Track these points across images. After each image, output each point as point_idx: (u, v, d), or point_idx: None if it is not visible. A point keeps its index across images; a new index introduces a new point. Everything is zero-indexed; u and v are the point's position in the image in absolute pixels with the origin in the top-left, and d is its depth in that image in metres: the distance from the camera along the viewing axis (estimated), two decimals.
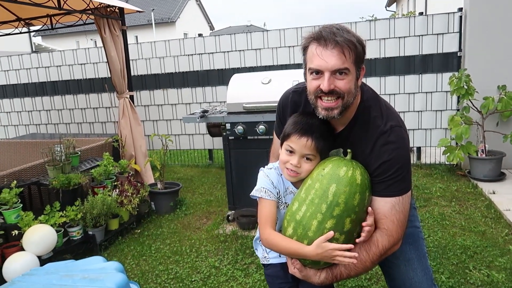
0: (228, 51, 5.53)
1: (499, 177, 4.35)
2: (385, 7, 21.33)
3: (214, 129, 3.93)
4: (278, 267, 1.63)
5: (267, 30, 5.46)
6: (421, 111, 5.07)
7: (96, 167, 3.73)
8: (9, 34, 5.43)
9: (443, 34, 4.81)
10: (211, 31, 34.06)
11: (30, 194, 3.42)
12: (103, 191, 3.48)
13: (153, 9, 26.92)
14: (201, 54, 5.63)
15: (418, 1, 15.75)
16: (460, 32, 4.75)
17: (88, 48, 6.11)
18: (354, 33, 1.36)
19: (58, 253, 3.03)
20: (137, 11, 4.80)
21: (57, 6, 3.77)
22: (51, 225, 2.96)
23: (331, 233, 1.33)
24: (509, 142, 4.31)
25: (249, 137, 3.44)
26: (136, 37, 24.30)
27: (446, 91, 4.88)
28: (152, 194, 4.09)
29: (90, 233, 3.27)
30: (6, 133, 6.93)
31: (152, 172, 4.73)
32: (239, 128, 3.36)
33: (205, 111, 3.58)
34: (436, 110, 5.02)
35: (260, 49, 5.41)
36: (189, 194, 4.68)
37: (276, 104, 1.72)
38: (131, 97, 4.59)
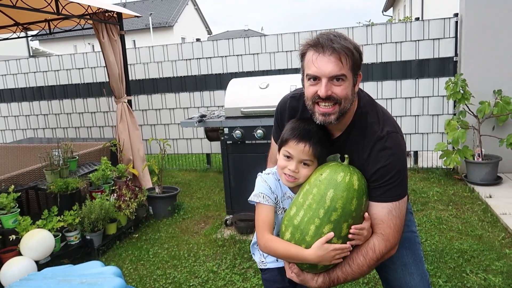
0: (226, 56, 5.56)
1: (496, 181, 4.38)
2: (382, 12, 21.45)
3: (212, 134, 3.95)
4: (275, 272, 1.64)
5: (265, 35, 5.49)
6: (417, 116, 5.10)
7: (94, 172, 3.73)
8: (7, 38, 5.43)
9: (439, 39, 4.86)
10: (208, 35, 34.13)
11: (28, 199, 3.42)
12: (101, 195, 3.48)
13: (151, 14, 26.96)
14: (199, 58, 5.65)
15: (415, 6, 15.86)
16: (456, 37, 4.80)
17: (86, 53, 6.12)
18: (351, 40, 1.38)
19: (56, 258, 3.02)
20: (135, 16, 4.82)
21: (55, 11, 3.78)
22: (49, 230, 2.96)
23: (332, 233, 1.35)
24: (505, 146, 4.34)
25: (247, 142, 3.46)
26: (134, 41, 24.33)
27: (443, 96, 4.92)
28: (150, 199, 4.09)
29: (88, 237, 3.27)
30: (3, 138, 6.92)
31: (150, 177, 4.73)
32: (237, 133, 3.37)
33: (203, 116, 3.60)
34: (432, 115, 5.06)
35: (258, 53, 5.43)
36: (187, 198, 4.68)
37: (274, 109, 1.73)
38: (129, 102, 4.60)
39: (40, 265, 2.80)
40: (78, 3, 3.87)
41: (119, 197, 3.62)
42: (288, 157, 1.49)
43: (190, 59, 5.69)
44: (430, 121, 5.08)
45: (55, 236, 2.99)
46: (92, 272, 2.08)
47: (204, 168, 6.13)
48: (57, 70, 6.26)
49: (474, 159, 4.45)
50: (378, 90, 5.13)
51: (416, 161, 5.40)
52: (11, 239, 2.83)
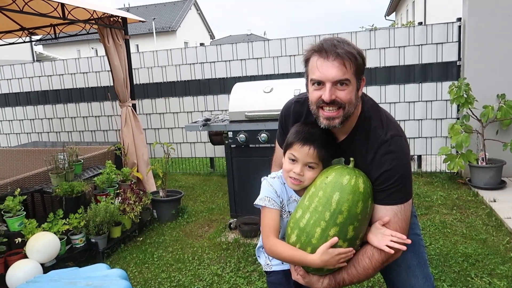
0: (229, 60, 5.59)
1: (500, 185, 4.37)
2: (385, 16, 21.51)
3: (216, 138, 3.96)
4: (280, 274, 1.65)
5: (268, 40, 5.52)
6: (421, 120, 5.11)
7: (98, 175, 3.75)
8: (12, 43, 5.50)
9: (442, 43, 4.87)
10: (211, 40, 34.27)
11: (33, 202, 3.44)
12: (105, 199, 3.50)
13: (154, 18, 27.14)
14: (203, 63, 5.69)
15: (417, 11, 15.89)
16: (459, 41, 4.81)
17: (91, 57, 6.17)
18: (355, 45, 1.40)
19: (61, 261, 3.04)
20: (140, 21, 4.86)
21: (61, 16, 3.82)
22: (54, 233, 2.97)
23: (336, 239, 1.36)
24: (509, 151, 4.33)
25: (251, 145, 3.47)
26: (137, 46, 24.36)
27: (446, 100, 4.92)
28: (154, 202, 4.11)
29: (93, 240, 3.29)
30: (8, 141, 6.96)
31: (154, 180, 4.75)
32: (241, 137, 3.39)
33: (207, 120, 3.61)
34: (436, 119, 5.06)
35: (261, 58, 5.46)
36: (190, 202, 4.70)
37: (278, 113, 1.75)
38: (134, 106, 4.63)
39: (46, 268, 2.81)
40: (83, 8, 3.92)
41: (123, 200, 3.64)
42: (293, 160, 1.50)
43: (194, 64, 5.73)
44: (434, 125, 5.08)
45: (60, 239, 3.00)
46: (98, 274, 2.09)
47: (207, 172, 6.14)
48: (62, 74, 6.31)
49: (478, 163, 4.44)
50: (382, 94, 5.14)
51: (419, 165, 5.39)
52: (17, 242, 2.85)
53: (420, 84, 5.02)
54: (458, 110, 4.88)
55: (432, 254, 3.03)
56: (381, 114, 1.52)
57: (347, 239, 1.38)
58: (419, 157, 5.38)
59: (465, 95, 4.39)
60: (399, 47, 5.00)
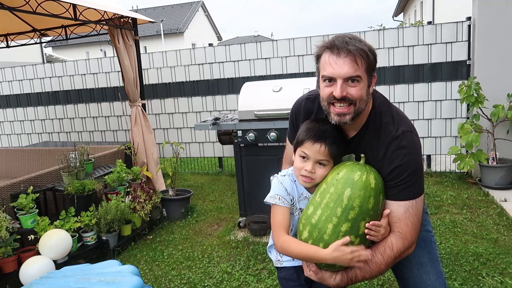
0: (238, 60, 5.61)
1: (510, 184, 4.33)
2: (392, 17, 21.36)
3: (225, 137, 3.98)
4: (291, 270, 1.65)
5: (276, 40, 5.53)
6: (430, 119, 5.08)
7: (109, 174, 3.79)
8: (24, 44, 5.57)
9: (451, 42, 4.84)
10: (218, 41, 34.36)
11: (46, 200, 3.49)
12: (116, 197, 3.54)
13: (162, 20, 27.29)
14: (212, 63, 5.72)
15: (426, 11, 15.79)
16: (468, 40, 4.78)
17: (101, 58, 6.23)
18: (366, 42, 1.41)
19: (73, 258, 3.07)
20: (150, 22, 4.90)
21: (73, 17, 3.87)
22: (66, 230, 3.02)
23: (347, 238, 1.36)
24: None
25: (260, 144, 3.48)
26: (145, 47, 24.60)
27: (456, 99, 4.89)
28: (164, 201, 4.14)
29: (104, 238, 3.32)
30: (19, 141, 7.06)
31: (163, 179, 4.79)
32: (251, 135, 3.41)
33: (217, 118, 3.64)
34: (445, 118, 5.03)
35: (269, 58, 5.47)
36: (200, 201, 4.72)
37: (288, 112, 1.76)
38: (143, 106, 4.67)
39: (58, 265, 2.84)
40: (94, 9, 3.96)
41: (134, 198, 3.67)
42: (304, 157, 1.50)
43: (202, 64, 5.76)
44: (443, 125, 5.05)
45: (72, 236, 3.04)
46: (110, 270, 2.12)
47: (216, 172, 6.17)
48: (72, 75, 6.38)
49: (488, 162, 4.41)
50: (390, 94, 5.12)
51: (429, 165, 5.36)
52: (29, 239, 2.89)
53: (430, 83, 4.99)
54: (468, 109, 4.85)
55: (443, 253, 3.01)
56: (392, 110, 1.52)
57: (359, 235, 1.39)
58: (429, 156, 5.35)
59: (475, 94, 4.36)
60: (408, 46, 4.98)
